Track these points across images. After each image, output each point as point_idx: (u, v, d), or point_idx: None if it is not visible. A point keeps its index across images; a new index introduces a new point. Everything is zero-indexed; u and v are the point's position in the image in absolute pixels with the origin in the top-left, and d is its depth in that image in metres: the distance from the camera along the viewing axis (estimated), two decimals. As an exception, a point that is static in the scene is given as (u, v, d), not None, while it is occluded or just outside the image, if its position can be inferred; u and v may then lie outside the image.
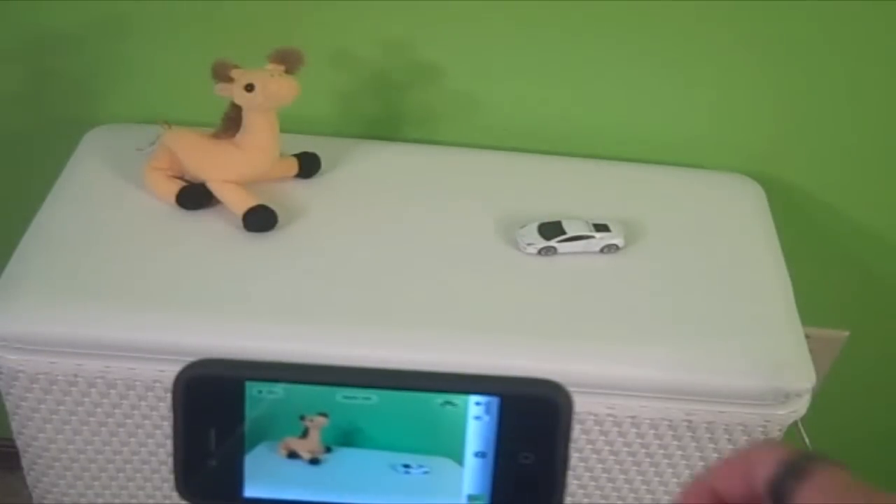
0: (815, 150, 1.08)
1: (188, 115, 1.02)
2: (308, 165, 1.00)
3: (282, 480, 0.39)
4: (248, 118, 0.92)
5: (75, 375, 0.85)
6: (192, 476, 0.39)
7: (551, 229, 0.93)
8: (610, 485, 0.93)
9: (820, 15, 0.96)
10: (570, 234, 0.92)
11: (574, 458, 0.91)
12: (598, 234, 0.93)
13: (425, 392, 0.39)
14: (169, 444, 0.37)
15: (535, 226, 0.93)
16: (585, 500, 0.95)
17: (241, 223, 0.92)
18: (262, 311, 0.85)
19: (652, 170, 1.07)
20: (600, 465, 0.91)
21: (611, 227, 0.94)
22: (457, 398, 0.39)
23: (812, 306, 0.96)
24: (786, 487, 0.34)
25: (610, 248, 0.94)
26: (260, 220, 0.92)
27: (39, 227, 0.92)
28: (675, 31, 0.99)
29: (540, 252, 0.93)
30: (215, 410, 0.39)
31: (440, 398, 0.39)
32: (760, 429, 0.86)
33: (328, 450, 0.39)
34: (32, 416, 0.89)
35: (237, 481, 0.39)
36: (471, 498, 0.40)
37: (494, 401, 0.39)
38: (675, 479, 0.92)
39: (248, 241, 0.92)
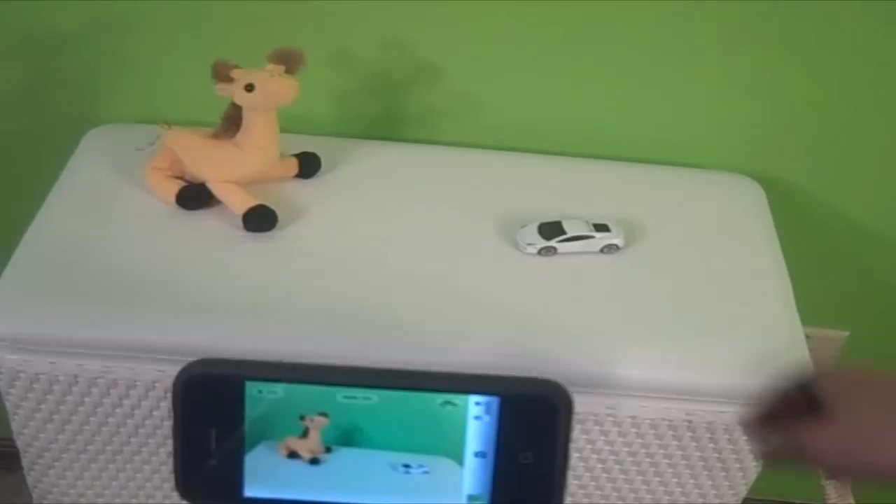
0: (815, 150, 1.08)
1: (188, 115, 1.02)
2: (308, 165, 1.00)
3: (282, 480, 0.39)
4: (248, 118, 0.92)
5: (76, 376, 0.85)
6: (192, 476, 0.39)
7: (551, 229, 0.93)
8: (610, 485, 0.93)
9: (819, 15, 0.96)
10: (570, 234, 0.92)
11: (574, 458, 0.91)
12: (598, 234, 0.93)
13: (425, 392, 0.39)
14: (169, 444, 0.36)
15: (535, 226, 0.93)
16: (585, 500, 0.95)
17: (241, 223, 0.92)
18: (262, 311, 0.85)
19: (652, 170, 1.07)
20: (600, 465, 0.91)
21: (611, 227, 0.94)
22: (457, 398, 0.39)
23: (812, 306, 0.96)
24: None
25: (610, 248, 0.94)
26: (260, 220, 0.92)
27: (39, 227, 0.92)
28: (675, 32, 0.99)
29: (540, 252, 0.93)
30: (215, 410, 0.39)
31: (440, 398, 0.39)
32: (760, 429, 0.86)
33: (328, 450, 0.39)
34: (33, 417, 0.89)
35: (237, 481, 0.39)
36: (471, 498, 0.40)
37: (494, 401, 0.39)
38: (675, 479, 0.92)
39: (248, 241, 0.92)
